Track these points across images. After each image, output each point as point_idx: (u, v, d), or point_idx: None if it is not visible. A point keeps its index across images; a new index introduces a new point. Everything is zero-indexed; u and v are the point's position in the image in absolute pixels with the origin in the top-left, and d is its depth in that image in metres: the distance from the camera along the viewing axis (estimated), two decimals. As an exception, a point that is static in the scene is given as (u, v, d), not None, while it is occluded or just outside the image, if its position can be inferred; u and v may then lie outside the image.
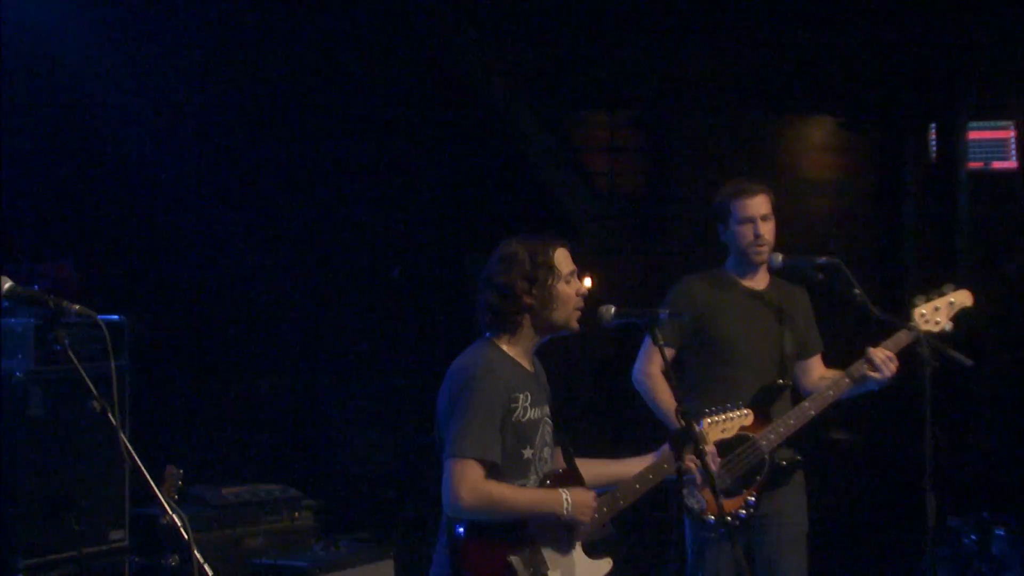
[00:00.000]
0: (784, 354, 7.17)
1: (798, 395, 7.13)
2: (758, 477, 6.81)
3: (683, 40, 12.60)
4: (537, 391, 5.54)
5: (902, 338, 6.90)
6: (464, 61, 11.68)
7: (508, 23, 11.77)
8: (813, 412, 6.91)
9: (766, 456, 6.81)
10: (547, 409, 5.57)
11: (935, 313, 6.93)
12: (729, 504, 6.63)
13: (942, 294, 6.97)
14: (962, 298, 7.00)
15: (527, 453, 5.47)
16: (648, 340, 6.95)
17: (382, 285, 11.66)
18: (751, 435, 6.58)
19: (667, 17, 12.26)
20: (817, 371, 7.26)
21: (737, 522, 6.73)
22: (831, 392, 6.95)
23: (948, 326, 6.93)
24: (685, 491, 6.23)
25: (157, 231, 10.45)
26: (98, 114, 9.92)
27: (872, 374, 6.84)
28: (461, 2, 11.50)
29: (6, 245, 9.08)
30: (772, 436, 6.79)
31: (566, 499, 5.42)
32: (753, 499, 6.78)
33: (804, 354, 7.26)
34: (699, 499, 6.57)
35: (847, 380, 6.93)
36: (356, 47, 11.16)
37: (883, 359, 6.82)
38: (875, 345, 6.87)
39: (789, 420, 6.88)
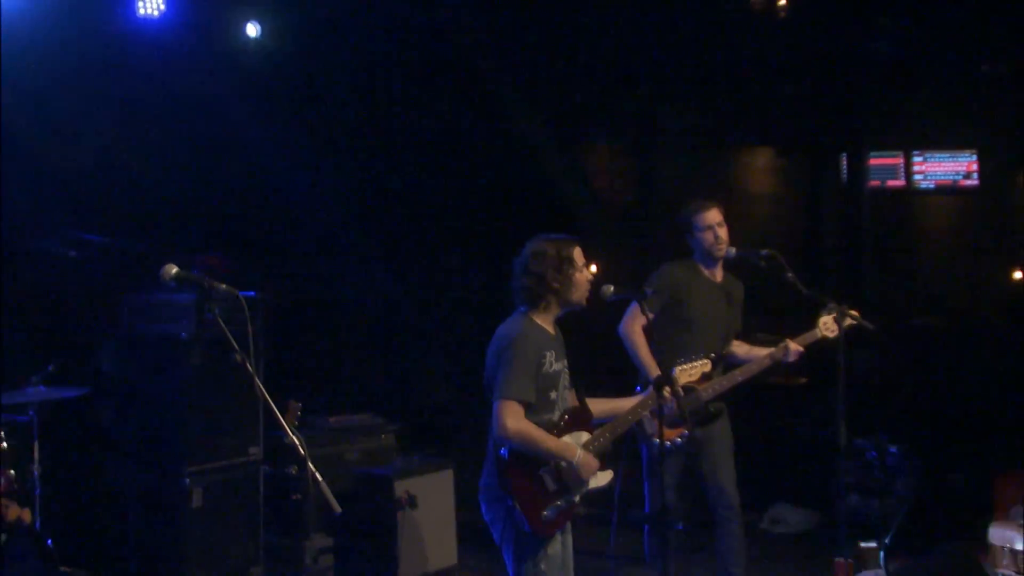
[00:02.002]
0: (728, 331, 7.18)
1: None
2: (693, 417, 6.79)
3: (663, 92, 12.56)
4: (559, 349, 5.51)
5: (809, 337, 6.93)
6: (506, 108, 11.65)
7: (537, 80, 11.74)
8: (740, 379, 6.91)
9: (702, 404, 6.79)
10: (565, 362, 5.54)
11: (833, 324, 6.89)
12: (669, 433, 6.59)
13: (838, 309, 6.92)
14: (854, 316, 6.94)
15: (553, 395, 5.44)
16: (633, 304, 6.91)
17: (445, 269, 11.66)
18: (695, 387, 6.54)
19: (651, 76, 12.21)
20: (733, 343, 7.26)
21: (673, 447, 6.72)
22: (755, 367, 6.96)
23: (838, 334, 6.89)
24: (644, 420, 6.20)
25: (283, 232, 10.44)
26: (243, 147, 9.91)
27: (786, 360, 6.92)
28: (505, 66, 11.47)
29: (175, 240, 9.08)
30: (710, 391, 6.79)
31: (580, 456, 5.39)
32: (687, 432, 6.73)
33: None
34: (652, 426, 6.52)
35: (767, 360, 6.96)
36: (434, 108, 11.16)
37: (795, 351, 6.91)
38: (792, 337, 6.92)
39: (724, 381, 6.88)
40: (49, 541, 6.85)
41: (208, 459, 7.89)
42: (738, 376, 6.90)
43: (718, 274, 7.24)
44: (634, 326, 7.00)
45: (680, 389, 5.68)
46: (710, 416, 6.91)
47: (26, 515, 6.21)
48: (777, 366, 7.03)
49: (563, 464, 5.36)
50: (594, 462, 5.44)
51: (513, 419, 5.26)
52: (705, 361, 5.93)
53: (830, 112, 13.33)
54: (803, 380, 10.57)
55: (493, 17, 10.99)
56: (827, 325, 6.91)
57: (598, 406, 5.66)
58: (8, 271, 8.38)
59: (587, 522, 6.17)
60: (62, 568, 7.31)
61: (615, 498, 6.63)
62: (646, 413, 5.75)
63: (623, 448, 6.16)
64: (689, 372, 5.86)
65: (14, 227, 8.39)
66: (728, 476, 7.16)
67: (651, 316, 6.03)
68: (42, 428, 7.29)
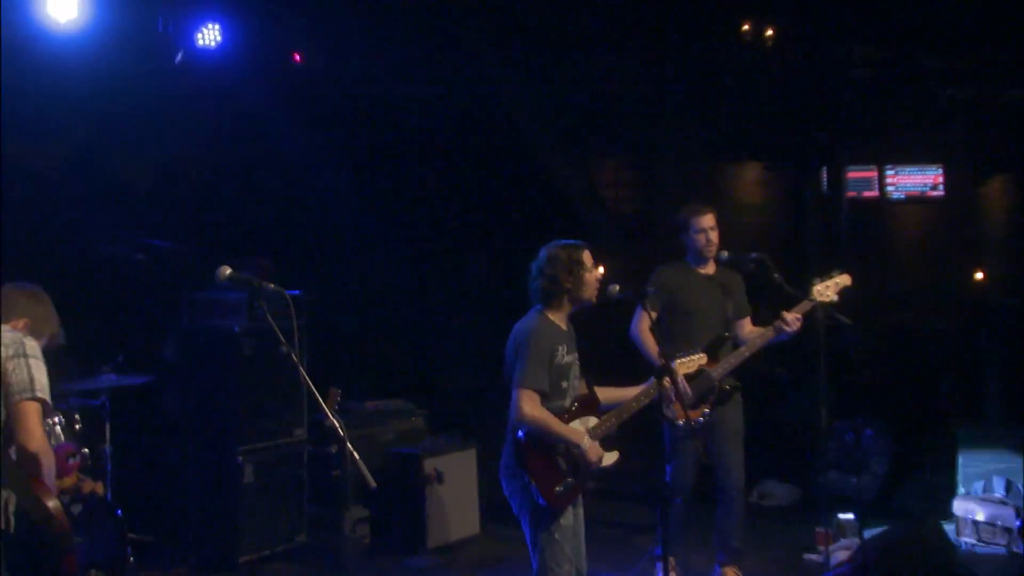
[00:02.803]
0: (727, 317, 7.08)
1: (736, 343, 7.04)
2: (711, 397, 6.76)
3: (664, 113, 12.55)
4: (571, 343, 5.47)
5: (805, 306, 6.82)
6: (525, 132, 11.66)
7: (552, 104, 11.75)
8: (747, 354, 6.83)
9: (716, 383, 6.74)
10: (576, 355, 5.51)
11: (827, 289, 6.85)
12: (692, 413, 6.59)
13: (831, 276, 6.91)
14: (844, 279, 6.91)
15: (564, 384, 5.41)
16: (640, 308, 6.91)
17: (469, 271, 11.65)
18: (706, 369, 6.49)
19: (654, 99, 12.21)
20: (747, 327, 7.17)
21: (697, 425, 6.69)
22: (759, 341, 6.86)
23: (835, 298, 6.86)
24: (664, 405, 6.16)
25: (325, 238, 10.45)
26: (289, 162, 9.94)
27: (785, 328, 6.77)
28: (525, 91, 11.49)
29: (229, 245, 9.09)
30: (720, 370, 6.70)
31: (587, 443, 5.36)
32: (708, 411, 6.73)
33: (739, 316, 7.18)
34: (672, 411, 6.50)
35: (770, 332, 6.84)
36: (459, 128, 11.16)
37: (792, 319, 6.76)
38: (788, 311, 6.81)
39: (731, 359, 6.80)
40: (119, 511, 6.87)
41: (258, 439, 7.89)
42: (744, 352, 6.83)
43: (710, 268, 7.20)
44: (642, 326, 7.00)
45: (680, 379, 5.66)
46: (726, 393, 6.85)
47: (99, 488, 6.21)
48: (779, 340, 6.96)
49: (574, 450, 5.35)
50: (599, 449, 5.40)
51: (529, 406, 5.25)
52: (701, 355, 5.92)
53: (812, 130, 13.34)
54: (781, 370, 10.51)
55: (515, 52, 11.02)
56: (820, 292, 6.86)
57: (605, 394, 5.63)
58: (84, 273, 8.43)
59: (595, 495, 6.16)
60: (130, 535, 7.34)
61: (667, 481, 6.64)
62: (647, 401, 5.72)
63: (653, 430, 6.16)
64: (687, 365, 5.85)
65: (90, 234, 8.43)
66: (736, 459, 7.12)
67: (654, 314, 6.03)
68: (112, 411, 7.31)
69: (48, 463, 4.26)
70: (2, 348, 4.24)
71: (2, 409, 4.29)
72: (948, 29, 11.48)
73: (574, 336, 5.56)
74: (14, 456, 4.31)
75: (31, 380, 4.24)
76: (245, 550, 7.77)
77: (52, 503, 4.37)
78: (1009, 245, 15.10)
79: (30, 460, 4.19)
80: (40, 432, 4.22)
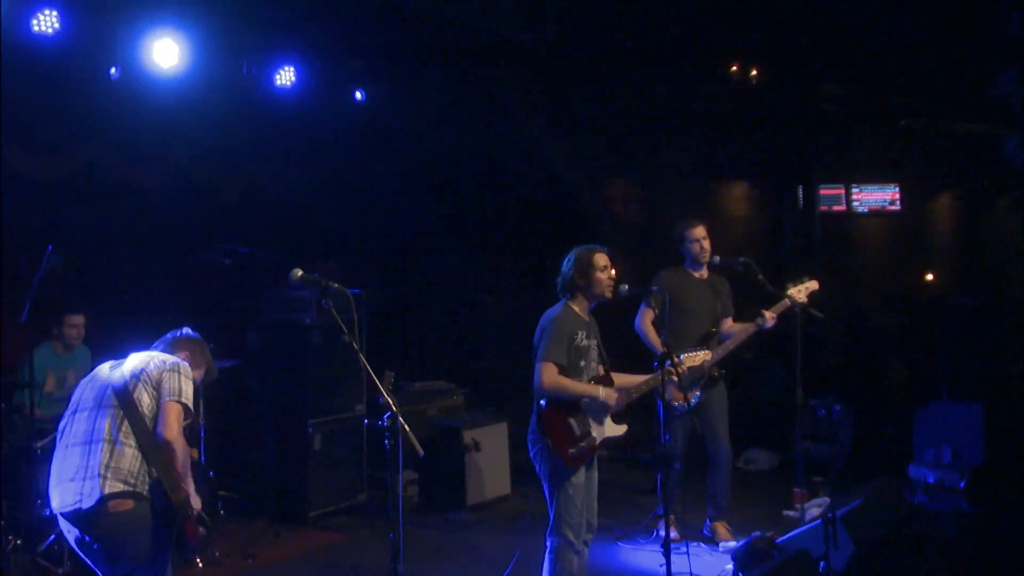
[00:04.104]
0: (716, 314, 7.09)
1: (721, 337, 7.05)
2: (701, 381, 6.74)
3: (666, 140, 12.51)
4: (590, 330, 5.44)
5: (781, 306, 6.85)
6: (553, 160, 11.65)
7: (572, 132, 11.72)
8: (732, 346, 6.86)
9: (706, 370, 6.74)
10: (595, 341, 5.46)
11: (798, 292, 6.84)
12: (688, 395, 6.55)
13: (803, 281, 6.89)
14: (813, 284, 6.91)
15: (582, 364, 5.37)
16: (644, 304, 6.97)
17: (502, 273, 11.63)
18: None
19: (657, 128, 12.18)
20: (729, 323, 7.16)
21: (690, 405, 6.67)
22: (742, 334, 6.88)
23: (805, 300, 6.86)
24: (664, 389, 6.13)
25: (381, 246, 10.46)
26: (351, 182, 9.95)
27: (763, 324, 6.81)
28: (549, 123, 11.46)
29: (301, 251, 9.11)
30: (711, 360, 6.67)
31: (603, 391, 5.33)
32: (699, 393, 6.69)
33: (724, 315, 7.17)
34: (670, 393, 6.47)
35: (752, 327, 6.85)
36: (494, 153, 11.15)
37: (770, 316, 6.80)
38: (767, 309, 6.83)
39: (719, 351, 6.82)
40: (211, 472, 6.88)
41: (325, 413, 7.89)
42: (730, 345, 6.87)
43: (704, 273, 7.19)
44: (645, 320, 7.02)
45: (683, 368, 5.64)
46: (714, 379, 6.91)
47: (194, 454, 6.24)
48: (759, 333, 6.93)
49: (593, 401, 5.32)
50: (614, 393, 5.39)
51: (548, 375, 5.24)
52: (706, 352, 5.94)
53: (790, 154, 13.29)
54: (748, 355, 10.44)
55: (540, 92, 11.01)
56: (794, 294, 6.86)
57: (619, 379, 5.59)
58: (182, 274, 8.47)
59: (607, 462, 6.13)
60: (220, 492, 7.35)
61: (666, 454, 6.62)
62: (654, 385, 5.68)
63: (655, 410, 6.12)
64: (693, 358, 5.89)
65: (187, 242, 8.47)
66: (723, 431, 7.10)
67: (657, 310, 6.00)
68: (205, 390, 7.31)
69: (180, 453, 4.46)
70: (163, 363, 4.56)
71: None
72: (904, 71, 11.47)
73: (595, 326, 5.53)
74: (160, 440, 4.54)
75: (180, 388, 4.50)
76: (314, 506, 7.77)
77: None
78: (954, 252, 15.09)
79: (166, 447, 4.41)
80: (177, 428, 4.44)
